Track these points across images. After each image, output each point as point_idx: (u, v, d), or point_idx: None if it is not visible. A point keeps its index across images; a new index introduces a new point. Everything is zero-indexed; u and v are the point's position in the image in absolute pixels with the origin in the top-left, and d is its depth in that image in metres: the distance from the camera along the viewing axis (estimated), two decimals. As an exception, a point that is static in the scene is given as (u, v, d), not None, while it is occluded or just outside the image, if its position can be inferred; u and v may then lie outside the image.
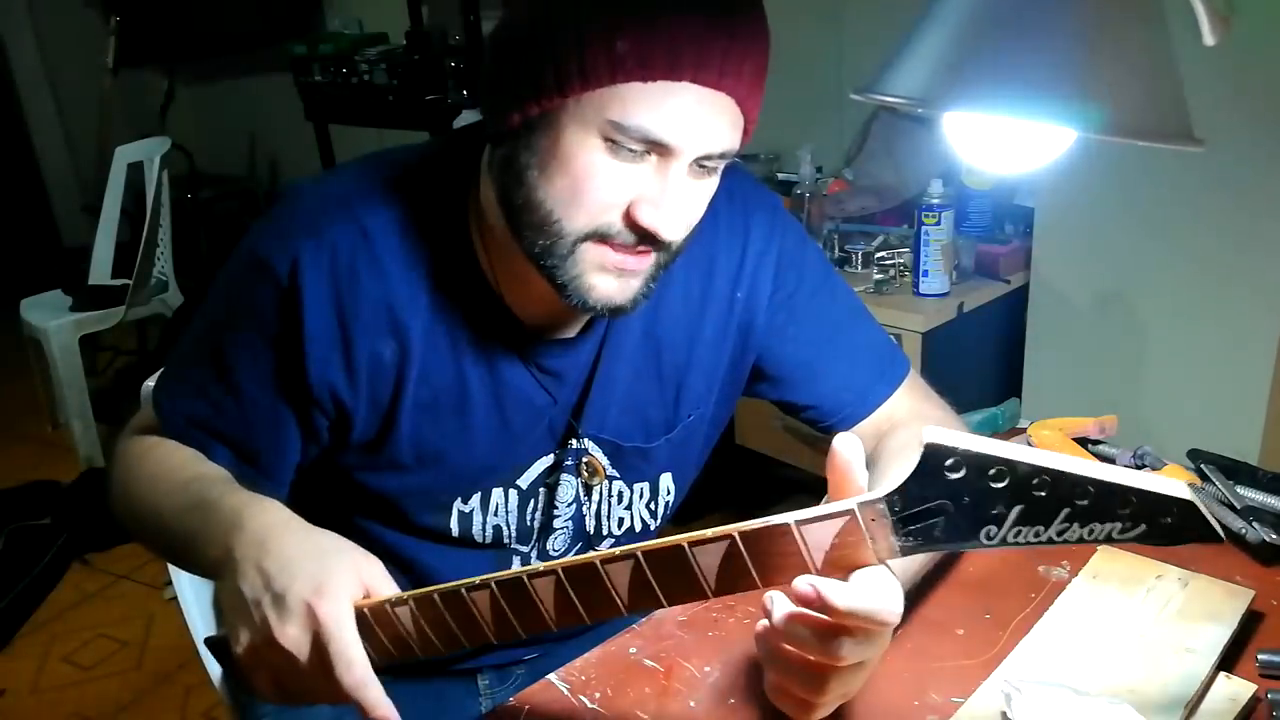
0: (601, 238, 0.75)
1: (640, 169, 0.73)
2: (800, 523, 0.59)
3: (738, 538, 0.60)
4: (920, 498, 0.56)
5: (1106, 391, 1.90)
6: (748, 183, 0.96)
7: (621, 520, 0.98)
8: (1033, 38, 0.57)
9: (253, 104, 4.78)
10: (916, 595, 0.87)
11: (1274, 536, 0.86)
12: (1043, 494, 0.54)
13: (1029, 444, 1.06)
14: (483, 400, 0.87)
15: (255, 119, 4.84)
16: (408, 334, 0.83)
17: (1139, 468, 1.02)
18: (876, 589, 0.59)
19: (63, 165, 5.03)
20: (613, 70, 0.69)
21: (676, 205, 0.74)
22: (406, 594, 0.68)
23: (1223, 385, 1.73)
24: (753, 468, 2.39)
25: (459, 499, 0.92)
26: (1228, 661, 0.76)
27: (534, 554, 0.96)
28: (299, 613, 0.65)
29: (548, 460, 0.93)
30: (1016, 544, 0.56)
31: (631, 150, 0.72)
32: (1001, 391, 2.03)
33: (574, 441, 0.92)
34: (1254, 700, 0.72)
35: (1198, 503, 0.53)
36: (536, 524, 0.95)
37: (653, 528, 1.00)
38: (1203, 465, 0.97)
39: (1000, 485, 0.55)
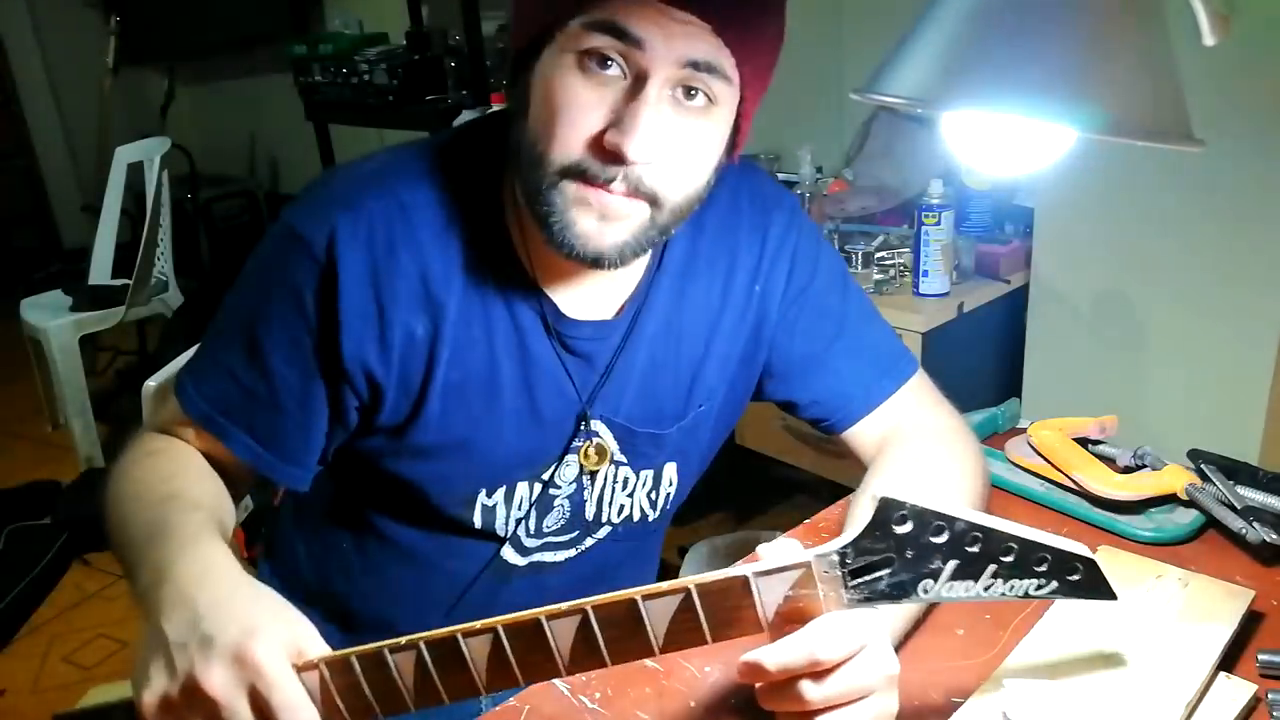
0: (579, 174, 0.74)
1: (613, 94, 0.73)
2: (757, 575, 0.61)
3: (693, 590, 0.61)
4: (869, 550, 0.61)
5: (1106, 391, 1.90)
6: (768, 184, 0.97)
7: (622, 508, 0.98)
8: (1032, 38, 0.57)
9: (253, 104, 4.79)
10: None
11: (1274, 536, 0.86)
12: (974, 550, 0.61)
13: (1029, 444, 1.06)
14: (512, 383, 0.87)
15: (255, 119, 4.84)
16: (442, 311, 0.83)
17: (1139, 468, 1.02)
18: (803, 639, 0.62)
19: (63, 165, 5.04)
20: None
21: (646, 127, 0.72)
22: (317, 658, 0.63)
23: (1223, 385, 1.73)
24: (753, 468, 2.39)
25: (484, 491, 0.91)
26: (1228, 661, 0.76)
27: (522, 532, 0.95)
28: (229, 656, 0.61)
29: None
30: (949, 598, 0.62)
31: (604, 60, 0.72)
32: (1001, 391, 2.03)
33: (585, 423, 0.92)
34: (1254, 700, 0.72)
35: (1099, 562, 0.62)
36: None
37: (651, 519, 1.00)
38: (1203, 465, 0.97)
39: (940, 540, 0.61)
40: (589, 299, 0.88)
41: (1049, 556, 0.61)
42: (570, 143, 0.74)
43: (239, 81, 4.79)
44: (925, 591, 0.62)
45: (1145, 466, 1.01)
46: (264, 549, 1.11)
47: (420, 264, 0.81)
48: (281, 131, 4.62)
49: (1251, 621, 0.80)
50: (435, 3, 3.56)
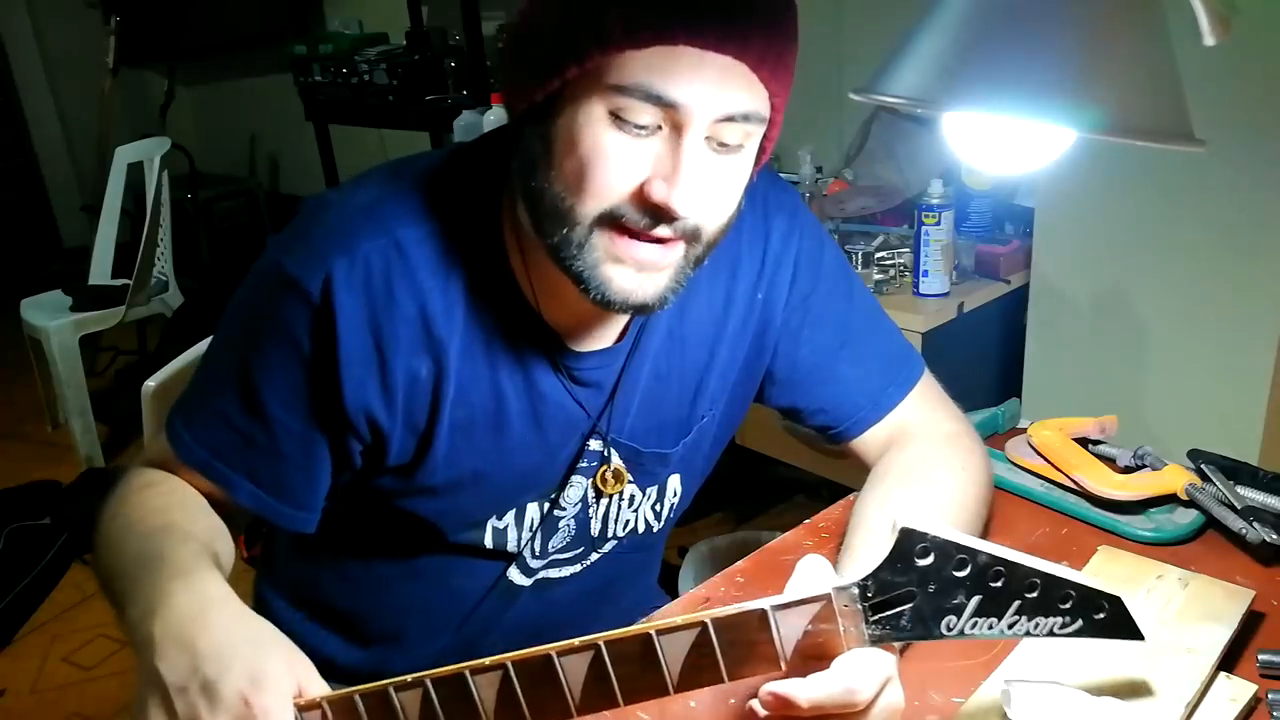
0: (613, 222, 0.71)
1: (650, 146, 0.70)
2: (776, 608, 0.60)
3: (709, 625, 0.60)
4: (891, 584, 0.60)
5: (1106, 391, 1.90)
6: (769, 183, 0.94)
7: (627, 523, 0.97)
8: (1032, 38, 0.57)
9: (253, 104, 4.79)
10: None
11: (1274, 536, 0.86)
12: (998, 585, 0.59)
13: (1029, 444, 1.06)
14: (520, 417, 0.85)
15: (255, 119, 4.84)
16: (444, 350, 0.80)
17: (1139, 468, 1.02)
18: (839, 674, 0.61)
19: (63, 165, 5.03)
20: (603, 40, 0.67)
21: (690, 179, 0.69)
22: (320, 697, 0.63)
23: (1223, 385, 1.73)
24: (753, 468, 2.39)
25: (494, 516, 0.90)
26: (1228, 661, 0.76)
27: (527, 553, 0.95)
28: (233, 706, 0.60)
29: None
30: (972, 635, 0.60)
31: (639, 126, 0.69)
32: (1001, 391, 2.03)
33: (594, 444, 0.90)
34: (1254, 700, 0.72)
35: (1125, 600, 0.60)
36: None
37: (656, 529, 0.99)
38: (1203, 465, 0.97)
39: (963, 574, 0.59)
40: (594, 327, 0.85)
41: (1074, 593, 0.60)
42: (606, 195, 0.70)
43: (239, 81, 4.79)
44: (949, 629, 0.60)
45: (1145, 466, 1.01)
46: (262, 564, 1.09)
47: (419, 304, 0.78)
48: (281, 131, 4.61)
49: (1251, 621, 0.80)
50: (435, 3, 3.56)
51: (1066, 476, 1.00)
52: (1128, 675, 0.73)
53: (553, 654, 0.59)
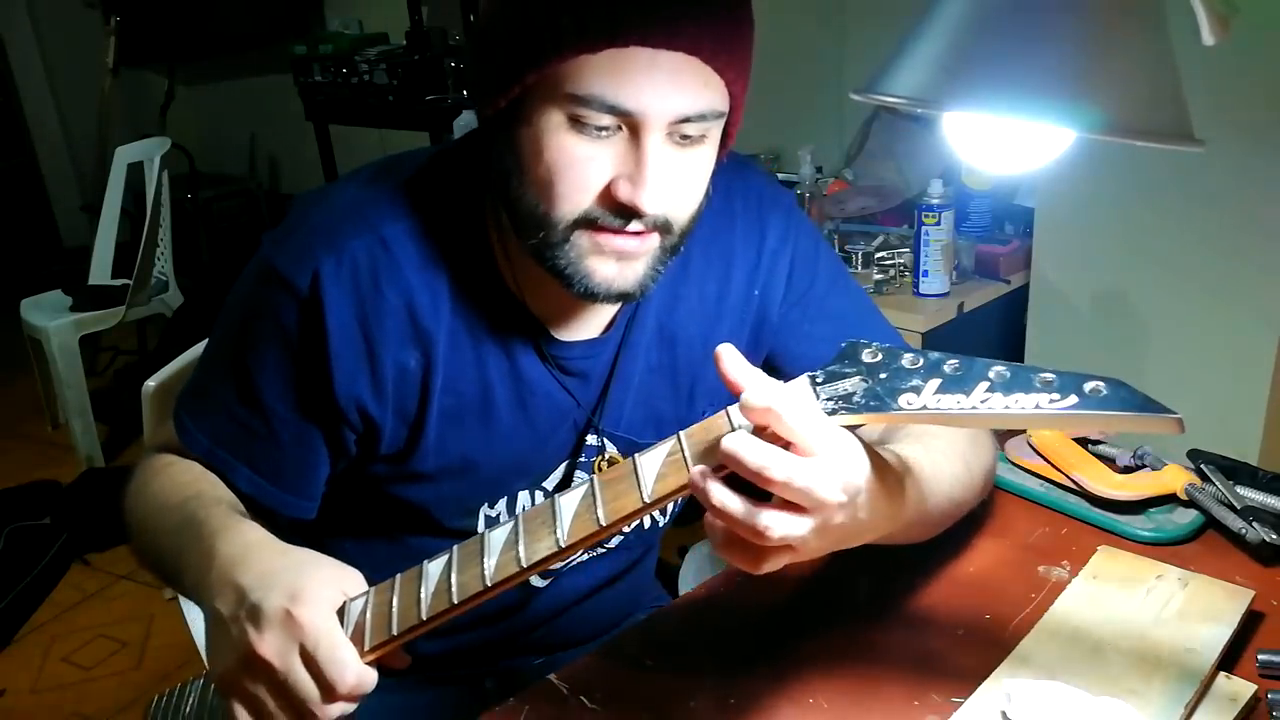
0: (589, 223, 0.74)
1: (613, 147, 0.72)
2: (729, 409, 0.63)
3: (680, 437, 0.64)
4: (839, 374, 0.60)
5: (1106, 391, 1.90)
6: (763, 182, 0.96)
7: None
8: (1032, 38, 0.57)
9: (253, 104, 4.79)
10: (917, 593, 0.87)
11: (1274, 536, 0.86)
12: (957, 374, 0.57)
13: (1029, 444, 1.06)
14: (507, 405, 0.86)
15: (255, 119, 4.84)
16: (431, 342, 0.82)
17: (1138, 468, 1.02)
18: (822, 425, 0.59)
19: (63, 165, 5.04)
20: (558, 47, 0.69)
21: (655, 177, 0.72)
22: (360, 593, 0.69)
23: (1223, 385, 1.73)
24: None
25: (486, 504, 0.91)
26: (1228, 661, 0.76)
27: None
28: (277, 621, 0.65)
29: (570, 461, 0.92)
30: (940, 411, 0.56)
31: (599, 128, 0.71)
32: (1001, 391, 2.03)
33: (591, 438, 0.91)
34: (1254, 700, 0.72)
35: (1128, 384, 0.54)
36: None
37: (660, 524, 1.00)
38: (1203, 465, 0.97)
39: (916, 366, 0.58)
40: (579, 317, 0.87)
41: (1052, 373, 0.54)
42: (577, 200, 0.73)
43: (239, 81, 4.79)
44: (909, 404, 0.57)
45: (1145, 466, 1.01)
46: None
47: (406, 298, 0.81)
48: (281, 131, 4.61)
49: (1251, 621, 0.80)
50: (435, 3, 3.56)
51: (1066, 476, 1.00)
52: (1128, 675, 0.73)
53: (555, 496, 0.65)
